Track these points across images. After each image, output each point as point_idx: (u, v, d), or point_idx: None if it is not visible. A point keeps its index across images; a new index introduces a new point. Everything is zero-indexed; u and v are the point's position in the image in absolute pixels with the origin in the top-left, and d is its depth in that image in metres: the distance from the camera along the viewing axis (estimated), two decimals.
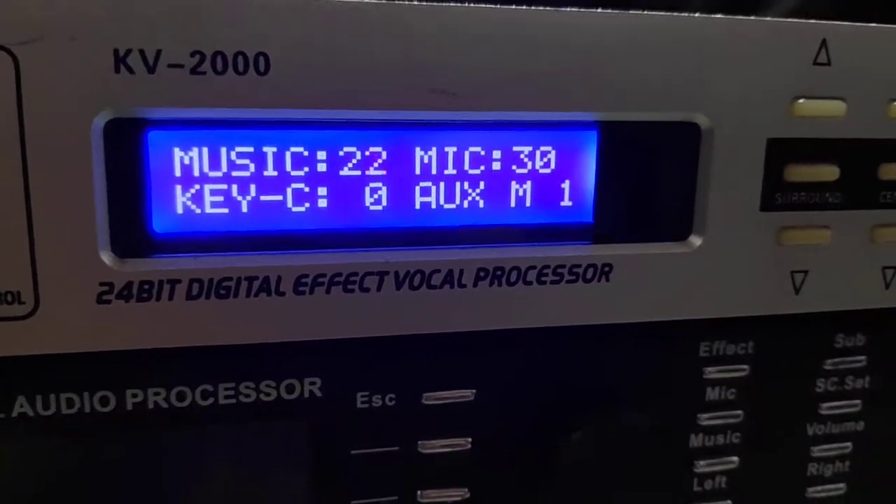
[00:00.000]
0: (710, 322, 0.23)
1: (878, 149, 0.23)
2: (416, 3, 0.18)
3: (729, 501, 0.26)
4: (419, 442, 0.23)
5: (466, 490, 0.23)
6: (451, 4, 0.19)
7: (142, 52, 0.18)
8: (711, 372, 0.25)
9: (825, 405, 0.26)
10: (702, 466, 0.25)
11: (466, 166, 0.21)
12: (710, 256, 0.22)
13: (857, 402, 0.26)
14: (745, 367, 0.25)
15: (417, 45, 0.19)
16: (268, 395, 0.21)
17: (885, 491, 0.28)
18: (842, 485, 0.27)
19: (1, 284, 0.18)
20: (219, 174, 0.20)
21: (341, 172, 0.20)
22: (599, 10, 0.20)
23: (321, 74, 0.19)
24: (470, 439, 0.23)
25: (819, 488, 0.27)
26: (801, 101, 0.22)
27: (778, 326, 0.24)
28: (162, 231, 0.20)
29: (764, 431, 0.26)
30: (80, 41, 0.17)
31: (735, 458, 0.25)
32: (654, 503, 0.26)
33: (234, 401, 0.21)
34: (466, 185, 0.21)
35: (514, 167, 0.21)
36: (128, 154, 0.19)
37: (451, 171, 0.21)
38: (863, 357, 0.26)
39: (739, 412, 0.25)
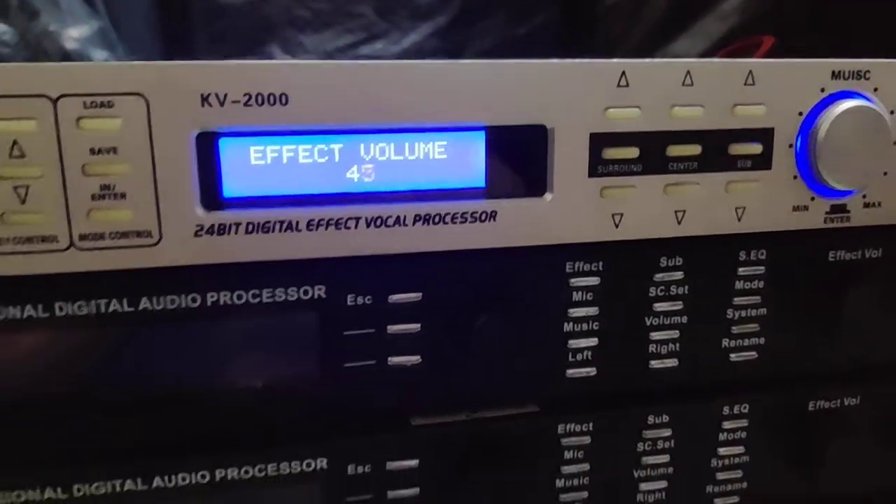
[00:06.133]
0: (569, 247, 0.30)
1: (664, 136, 0.30)
2: (382, 62, 0.27)
3: (593, 368, 0.32)
4: (388, 326, 0.30)
5: (418, 357, 0.30)
6: (404, 62, 0.27)
7: (216, 94, 0.26)
8: (574, 281, 0.31)
9: (657, 304, 0.33)
10: (572, 344, 0.32)
11: (407, 154, 0.29)
12: (559, 206, 0.29)
13: (679, 302, 0.33)
14: (596, 277, 0.32)
15: (377, 86, 0.27)
16: (292, 296, 0.29)
17: (705, 365, 0.34)
18: (674, 360, 0.33)
19: (141, 226, 0.26)
20: (259, 161, 0.27)
21: (334, 159, 0.28)
22: (487, 60, 0.28)
23: (318, 104, 0.27)
24: (419, 325, 0.30)
25: (658, 361, 0.33)
26: (610, 109, 0.29)
27: (615, 251, 0.31)
28: (228, 195, 0.27)
29: (615, 320, 0.32)
30: (182, 89, 0.26)
31: (595, 339, 0.32)
32: (542, 368, 0.32)
33: (272, 300, 0.29)
34: (412, 166, 0.29)
35: (438, 155, 0.29)
36: (209, 152, 0.26)
37: (395, 157, 0.28)
38: (680, 272, 0.33)
39: (596, 307, 0.32)
